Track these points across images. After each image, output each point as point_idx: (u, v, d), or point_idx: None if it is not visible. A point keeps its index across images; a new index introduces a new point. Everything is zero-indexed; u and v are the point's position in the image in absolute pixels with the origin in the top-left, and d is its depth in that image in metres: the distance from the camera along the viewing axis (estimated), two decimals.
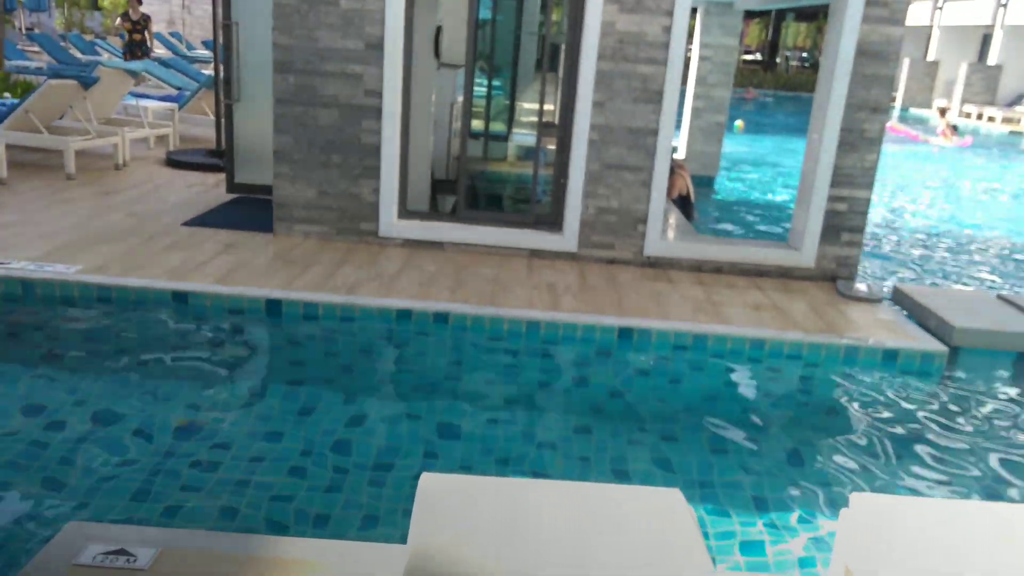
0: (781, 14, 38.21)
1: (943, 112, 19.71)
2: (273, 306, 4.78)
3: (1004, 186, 13.67)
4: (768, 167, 13.70)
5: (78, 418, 3.56)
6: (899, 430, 4.05)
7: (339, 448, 3.47)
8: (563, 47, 5.93)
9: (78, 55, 17.36)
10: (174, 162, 8.61)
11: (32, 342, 4.43)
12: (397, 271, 5.49)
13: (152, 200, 6.98)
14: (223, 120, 7.61)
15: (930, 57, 31.34)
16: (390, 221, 6.04)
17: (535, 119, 6.30)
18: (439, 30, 6.71)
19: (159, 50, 20.44)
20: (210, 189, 7.54)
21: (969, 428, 4.16)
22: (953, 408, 4.41)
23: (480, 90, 8.85)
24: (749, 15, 35.78)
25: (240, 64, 7.04)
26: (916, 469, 3.69)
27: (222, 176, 7.68)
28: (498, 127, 9.73)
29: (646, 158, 5.91)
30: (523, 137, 9.69)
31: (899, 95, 28.78)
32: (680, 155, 10.75)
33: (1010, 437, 4.09)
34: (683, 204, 7.99)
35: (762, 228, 9.08)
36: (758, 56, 40.64)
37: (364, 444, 3.54)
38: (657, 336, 4.79)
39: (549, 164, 6.37)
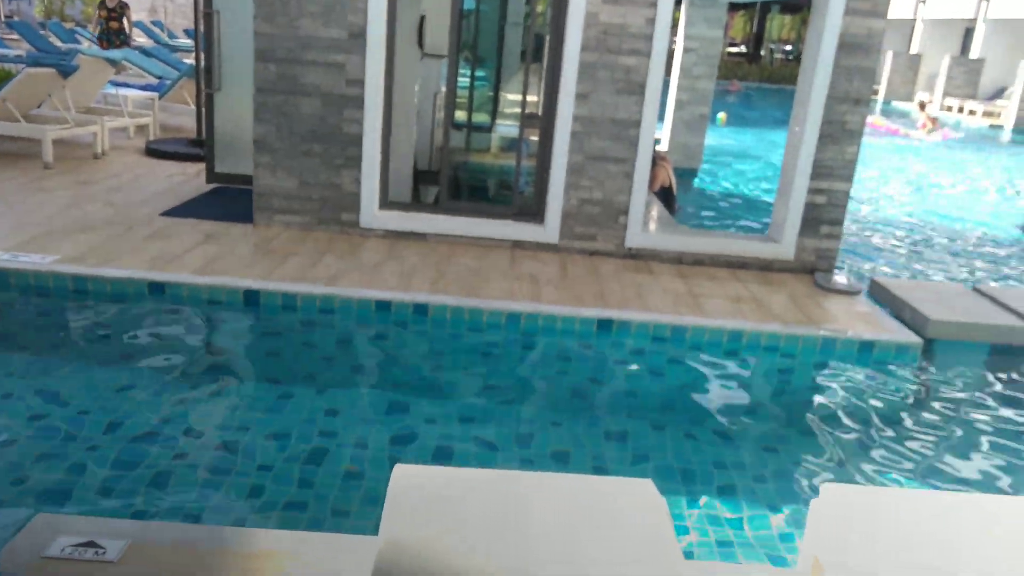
0: (766, 6, 38.27)
1: (923, 106, 19.82)
2: (252, 297, 4.76)
3: (983, 179, 13.78)
4: (752, 159, 13.74)
5: (53, 411, 3.54)
6: (873, 421, 4.08)
7: (315, 440, 3.47)
8: (547, 38, 5.92)
9: (58, 43, 17.16)
10: (154, 152, 8.53)
11: (6, 333, 4.39)
12: (378, 262, 5.47)
13: (131, 190, 6.92)
14: (204, 109, 7.55)
15: (913, 50, 31.50)
16: (372, 212, 6.02)
17: (519, 110, 6.28)
18: (423, 19, 6.67)
19: (140, 38, 20.23)
20: (190, 179, 7.48)
21: (942, 419, 4.21)
22: (926, 399, 4.45)
23: (464, 80, 8.82)
24: (734, 7, 35.83)
25: (221, 53, 6.98)
26: (889, 460, 3.72)
27: (202, 166, 7.62)
28: (482, 118, 9.70)
29: (629, 150, 5.92)
30: (507, 128, 9.67)
31: (882, 88, 28.91)
32: (663, 147, 10.76)
33: (982, 428, 4.14)
34: (665, 196, 8.01)
35: (744, 220, 9.11)
36: (743, 48, 40.70)
37: (341, 436, 3.53)
38: (637, 328, 4.80)
39: (532, 155, 6.36)
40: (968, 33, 29.85)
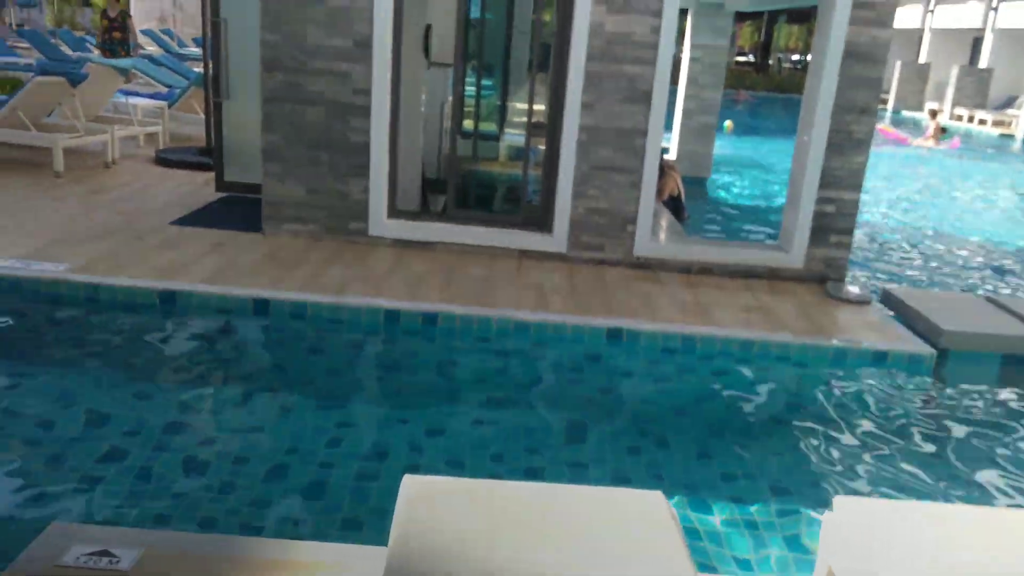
0: (774, 16, 38.31)
1: (934, 114, 19.78)
2: (260, 306, 4.76)
3: (993, 189, 13.74)
4: (760, 169, 13.73)
5: (64, 418, 3.54)
6: (886, 432, 4.06)
7: (324, 449, 3.46)
8: (552, 47, 5.92)
9: (68, 52, 17.28)
10: (164, 160, 8.57)
11: (17, 341, 4.40)
12: (386, 271, 5.47)
13: (141, 199, 6.95)
14: (212, 118, 7.58)
15: (921, 59, 31.47)
16: (380, 220, 6.03)
17: (526, 119, 6.29)
18: (428, 28, 6.69)
19: (150, 47, 20.34)
20: (199, 188, 7.51)
21: (956, 430, 4.18)
22: (940, 410, 4.42)
23: (471, 89, 8.84)
24: (741, 17, 35.85)
25: (229, 62, 7.01)
26: (902, 472, 3.70)
27: (212, 175, 7.65)
28: (489, 127, 9.72)
29: (635, 159, 5.91)
30: (514, 137, 9.68)
31: (891, 97, 28.88)
32: (671, 156, 10.76)
33: (996, 439, 4.11)
34: (674, 205, 8.00)
35: (753, 230, 9.09)
36: (751, 58, 40.74)
37: (349, 445, 3.53)
38: (645, 337, 4.79)
39: (539, 164, 6.37)
40: (976, 43, 29.80)
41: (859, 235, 8.48)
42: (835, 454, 3.82)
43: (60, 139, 7.62)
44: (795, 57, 40.62)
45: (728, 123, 17.17)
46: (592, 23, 5.67)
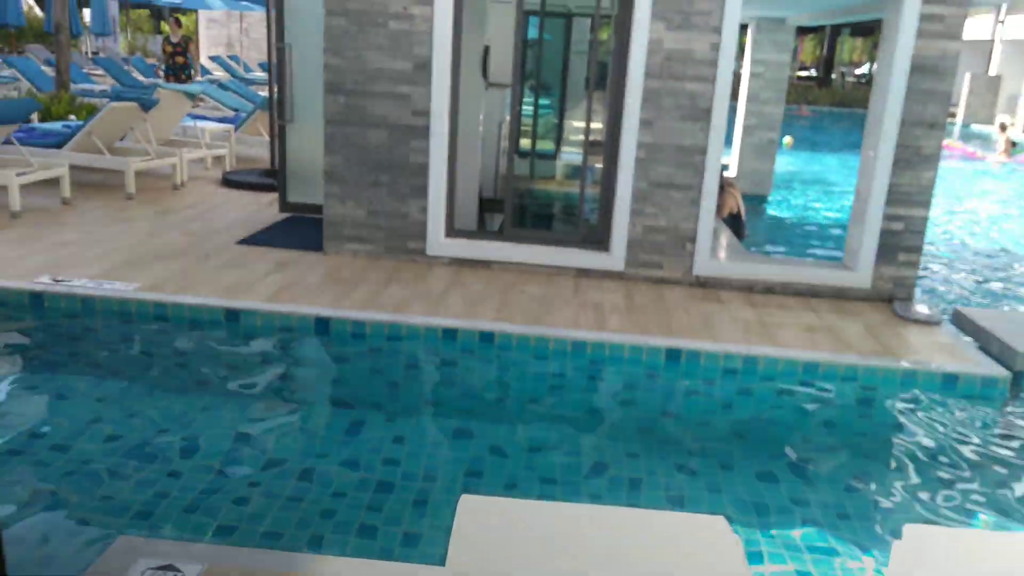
0: (836, 29, 37.64)
1: (1004, 128, 19.12)
2: (322, 324, 4.84)
3: None
4: (823, 185, 13.45)
5: (135, 433, 3.64)
6: (957, 458, 3.90)
7: (384, 467, 3.48)
8: (610, 65, 5.92)
9: (140, 78, 17.95)
10: (230, 182, 8.81)
11: (91, 358, 4.56)
12: (444, 290, 5.51)
13: (208, 219, 7.15)
14: (277, 141, 7.77)
15: (992, 72, 30.51)
16: (437, 240, 6.08)
17: (583, 137, 6.29)
18: (487, 50, 6.76)
19: (217, 72, 21.00)
20: (264, 208, 7.69)
21: None
22: (1016, 436, 4.23)
23: (528, 109, 8.89)
24: (803, 31, 35.33)
25: (293, 86, 7.19)
26: (973, 499, 3.55)
27: (275, 196, 7.83)
28: (546, 145, 9.76)
29: (695, 176, 5.85)
30: (571, 155, 9.70)
31: (960, 111, 28.05)
32: (731, 173, 10.63)
33: None
34: (734, 223, 7.89)
35: (816, 248, 8.90)
36: (813, 72, 40.08)
37: (408, 463, 3.54)
38: (706, 358, 4.71)
39: (597, 182, 6.35)
40: None
41: (928, 253, 8.22)
42: (904, 480, 3.69)
43: (132, 162, 7.90)
44: (859, 71, 39.81)
45: (788, 139, 16.89)
46: (651, 40, 5.65)
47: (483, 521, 2.07)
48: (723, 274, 6.01)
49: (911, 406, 4.50)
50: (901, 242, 5.86)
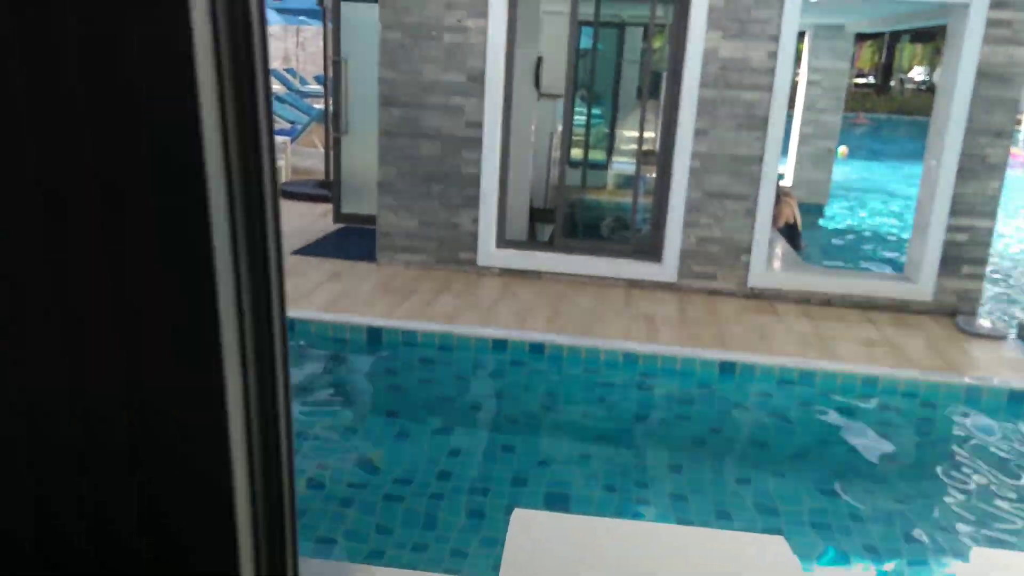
0: (895, 35, 36.80)
1: None
2: (374, 334, 4.88)
3: None
4: (882, 195, 13.14)
5: None
6: None
7: (434, 479, 3.49)
8: (664, 75, 5.88)
9: None
10: (286, 193, 8.96)
11: None
12: (495, 300, 5.52)
13: None
14: (332, 153, 7.89)
15: None
16: (488, 250, 6.09)
17: (635, 147, 6.25)
18: (539, 61, 6.77)
19: (275, 85, 21.44)
20: (318, 219, 7.81)
21: None
22: None
23: (580, 119, 8.87)
24: (860, 37, 34.60)
25: (349, 98, 7.29)
26: None
27: (330, 206, 7.95)
28: (598, 155, 9.72)
29: (750, 186, 5.76)
30: (623, 165, 9.64)
31: None
32: (787, 182, 10.45)
33: None
34: (790, 233, 7.74)
35: (875, 259, 8.69)
36: (871, 79, 39.25)
37: (459, 474, 3.54)
38: (761, 371, 4.62)
39: (649, 192, 6.30)
40: None
41: (992, 265, 7.96)
42: (966, 500, 3.56)
43: None
44: (919, 77, 38.86)
45: (842, 148, 16.54)
46: (706, 49, 5.59)
47: (536, 536, 2.05)
48: (779, 286, 5.89)
49: (976, 423, 4.35)
50: (965, 254, 5.67)
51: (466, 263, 6.15)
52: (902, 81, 39.09)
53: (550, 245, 6.27)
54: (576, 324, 5.09)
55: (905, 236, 8.78)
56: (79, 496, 0.57)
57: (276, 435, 0.62)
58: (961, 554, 3.07)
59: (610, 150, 10.23)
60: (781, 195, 7.45)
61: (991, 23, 5.33)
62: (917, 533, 3.29)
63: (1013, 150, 18.04)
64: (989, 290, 6.86)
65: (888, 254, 8.84)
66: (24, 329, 0.55)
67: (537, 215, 7.32)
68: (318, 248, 6.63)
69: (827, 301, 5.86)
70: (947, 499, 3.61)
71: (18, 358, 0.56)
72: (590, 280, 6.06)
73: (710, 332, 5.11)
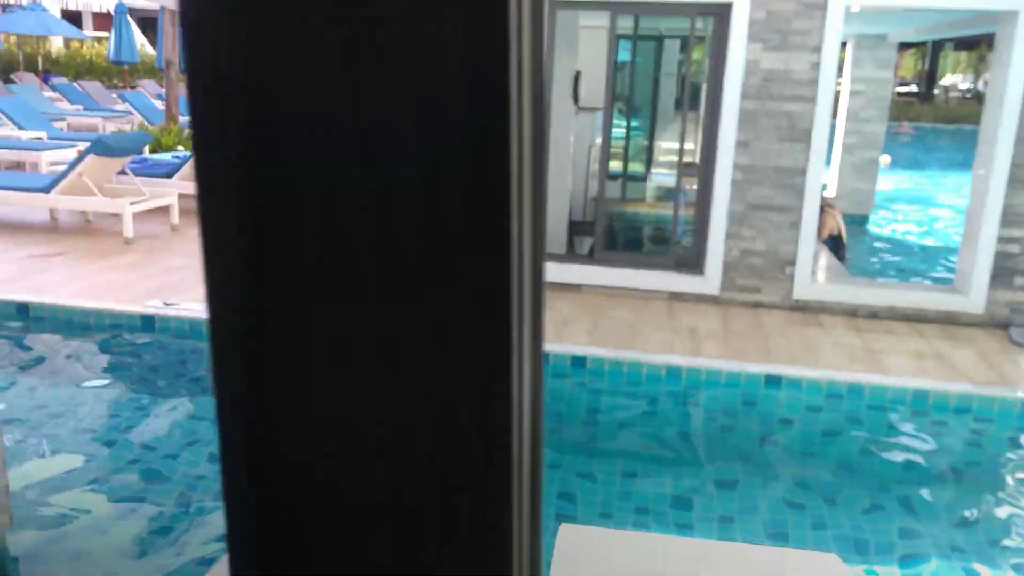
0: (938, 43, 36.20)
1: None
2: None
3: None
4: (928, 205, 12.90)
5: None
6: None
7: None
8: (704, 87, 5.84)
9: None
10: None
11: (198, 375, 4.74)
12: None
13: None
14: None
15: None
16: None
17: (675, 159, 6.21)
18: (578, 75, 6.78)
19: None
20: None
21: None
22: None
23: (619, 131, 8.85)
24: (904, 46, 34.10)
25: None
26: None
27: None
28: (637, 167, 9.68)
29: (794, 198, 5.69)
30: (661, 177, 9.59)
31: None
32: (831, 193, 10.30)
33: None
34: (834, 245, 7.62)
35: (923, 270, 8.51)
36: (914, 88, 38.63)
37: None
38: (808, 385, 4.54)
39: (690, 204, 6.25)
40: None
41: None
42: (1022, 518, 3.45)
43: None
44: (964, 85, 38.14)
45: (884, 157, 16.27)
46: (748, 61, 5.55)
47: (583, 551, 2.03)
48: (824, 298, 5.80)
49: None
50: (1017, 265, 5.53)
51: None
52: (946, 90, 38.41)
53: (590, 257, 6.25)
54: (617, 337, 5.06)
55: (952, 247, 8.59)
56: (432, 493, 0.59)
57: (537, 438, 0.63)
58: (1018, 573, 2.97)
59: (649, 162, 10.18)
60: (825, 206, 7.34)
61: None
62: (968, 550, 3.19)
63: None
64: None
65: (935, 265, 8.65)
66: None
67: (576, 227, 7.30)
68: None
69: (874, 314, 5.74)
70: (999, 516, 3.50)
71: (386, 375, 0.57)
72: (630, 293, 6.02)
73: (755, 345, 5.04)
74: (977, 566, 3.10)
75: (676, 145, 6.36)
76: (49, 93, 19.05)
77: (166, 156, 9.35)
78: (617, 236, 7.99)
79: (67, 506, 3.22)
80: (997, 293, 5.57)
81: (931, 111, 33.30)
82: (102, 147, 7.25)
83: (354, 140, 0.53)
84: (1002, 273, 5.54)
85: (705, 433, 4.34)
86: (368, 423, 0.57)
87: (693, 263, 5.97)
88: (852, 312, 5.76)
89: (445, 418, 0.56)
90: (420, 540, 0.59)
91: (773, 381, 4.57)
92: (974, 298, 5.59)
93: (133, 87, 21.49)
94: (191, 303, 5.34)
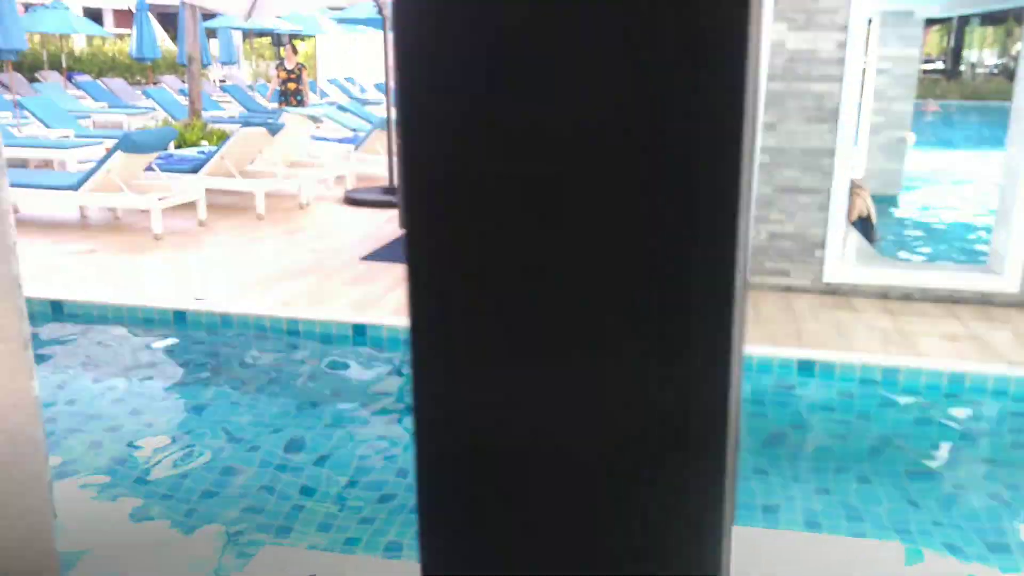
0: (964, 19, 35.52)
1: None
2: None
3: None
4: (957, 183, 12.70)
5: (270, 445, 3.79)
6: None
7: None
8: None
9: (264, 103, 18.85)
10: (352, 200, 9.10)
11: (230, 371, 4.78)
12: None
13: (333, 237, 7.40)
14: (396, 158, 7.98)
15: None
16: None
17: None
18: None
19: (336, 94, 21.80)
20: (384, 225, 7.90)
21: None
22: None
23: None
24: (929, 22, 33.48)
25: None
26: None
27: (395, 212, 8.04)
28: None
29: (823, 179, 5.62)
30: None
31: None
32: (859, 174, 10.16)
33: None
34: (864, 227, 7.52)
35: (954, 250, 8.39)
36: (939, 65, 37.97)
37: None
38: (842, 369, 4.49)
39: None
40: None
41: None
42: None
43: (262, 184, 8.28)
44: (991, 61, 37.43)
45: (909, 136, 16.02)
46: (773, 42, 5.48)
47: None
48: (855, 281, 5.73)
49: None
50: None
51: None
52: (973, 66, 37.73)
53: None
54: None
55: (983, 226, 8.45)
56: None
57: (738, 439, 0.64)
58: None
59: None
60: (853, 187, 7.24)
61: None
62: (1005, 538, 3.15)
63: None
64: None
65: (968, 245, 8.53)
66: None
67: None
68: (386, 253, 6.70)
69: (907, 295, 5.67)
70: None
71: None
72: None
73: (785, 330, 5.00)
74: (1013, 553, 3.06)
75: None
76: (73, 91, 19.25)
77: (192, 151, 9.43)
78: None
79: (110, 501, 3.27)
80: None
81: (958, 88, 32.74)
82: (129, 144, 7.32)
83: (576, 141, 0.52)
84: None
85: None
86: (590, 418, 0.56)
87: None
88: (884, 294, 5.69)
89: (666, 420, 0.56)
90: (635, 539, 0.58)
91: (805, 366, 4.53)
92: (1009, 277, 5.50)
93: (156, 83, 21.65)
94: (221, 297, 5.39)
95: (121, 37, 27.01)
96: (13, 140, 10.68)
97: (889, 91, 10.06)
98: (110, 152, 7.42)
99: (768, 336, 4.87)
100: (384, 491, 3.38)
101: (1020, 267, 5.48)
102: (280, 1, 11.49)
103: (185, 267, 6.26)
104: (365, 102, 19.74)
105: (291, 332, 5.05)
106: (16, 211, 7.71)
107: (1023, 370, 4.41)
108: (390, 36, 7.73)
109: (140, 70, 24.56)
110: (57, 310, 5.29)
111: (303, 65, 14.07)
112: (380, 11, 9.49)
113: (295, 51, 14.46)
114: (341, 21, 18.90)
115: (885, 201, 9.60)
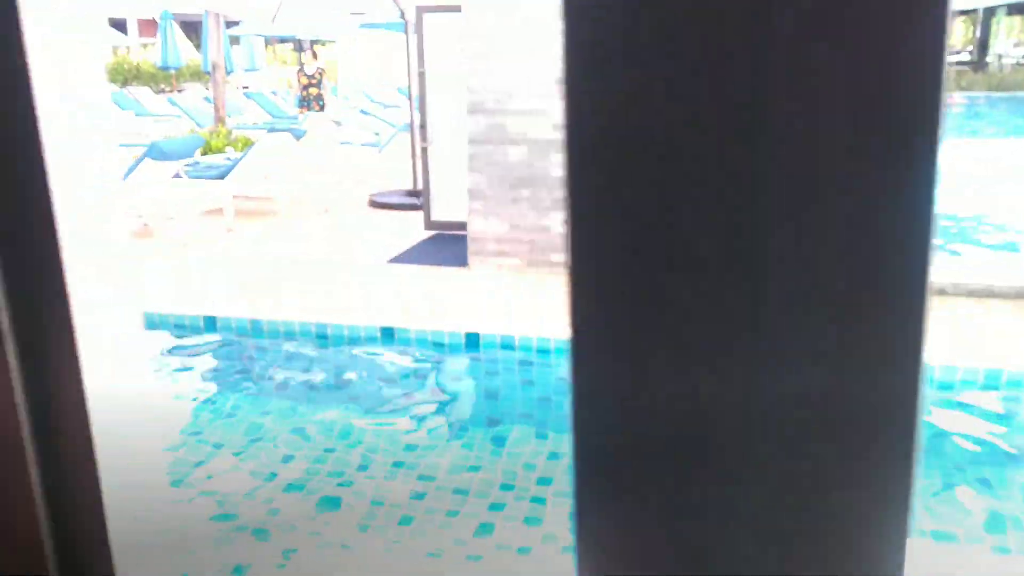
0: (990, 8, 34.98)
1: None
2: (472, 339, 4.92)
3: None
4: (985, 176, 12.50)
5: (299, 442, 3.82)
6: None
7: (534, 483, 3.49)
8: None
9: (286, 109, 18.99)
10: (376, 203, 9.15)
11: (262, 375, 4.83)
12: None
13: (359, 240, 7.44)
14: (420, 162, 8.01)
15: None
16: None
17: None
18: None
19: (358, 99, 21.91)
20: (409, 227, 7.93)
21: None
22: None
23: None
24: (954, 13, 32.89)
25: (431, 109, 7.39)
26: None
27: (420, 214, 8.07)
28: None
29: None
30: None
31: None
32: None
33: None
34: None
35: (986, 244, 8.27)
36: (965, 56, 37.43)
37: (560, 479, 3.53)
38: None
39: None
40: None
41: None
42: None
43: (287, 189, 8.34)
44: (1019, 51, 36.81)
45: None
46: None
47: None
48: None
49: None
50: None
51: (558, 265, 6.13)
52: (1000, 57, 37.14)
53: None
54: None
55: (1016, 220, 8.32)
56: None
57: None
58: None
59: None
60: None
61: None
62: None
63: None
64: None
65: (1000, 239, 8.40)
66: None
67: None
68: (412, 255, 6.73)
69: (940, 290, 5.59)
70: None
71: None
72: None
73: None
74: None
75: None
76: None
77: (218, 158, 9.52)
78: None
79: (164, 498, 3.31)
80: None
81: (984, 79, 32.24)
82: (157, 151, 7.41)
83: (775, 144, 0.50)
84: None
85: None
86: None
87: None
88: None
89: (855, 418, 0.54)
90: (819, 543, 0.57)
91: None
92: None
93: (180, 91, 21.90)
94: (250, 302, 5.43)
95: (144, 46, 27.35)
96: None
97: None
98: (138, 160, 7.51)
99: None
100: (416, 486, 3.39)
101: None
102: (302, 7, 11.56)
103: (215, 273, 6.32)
104: (387, 106, 19.82)
105: (320, 336, 5.08)
106: None
107: None
108: (412, 40, 7.76)
109: (164, 78, 24.86)
110: None
111: (323, 69, 14.15)
112: (402, 15, 9.51)
113: (315, 56, 14.55)
114: (363, 26, 18.97)
115: None
